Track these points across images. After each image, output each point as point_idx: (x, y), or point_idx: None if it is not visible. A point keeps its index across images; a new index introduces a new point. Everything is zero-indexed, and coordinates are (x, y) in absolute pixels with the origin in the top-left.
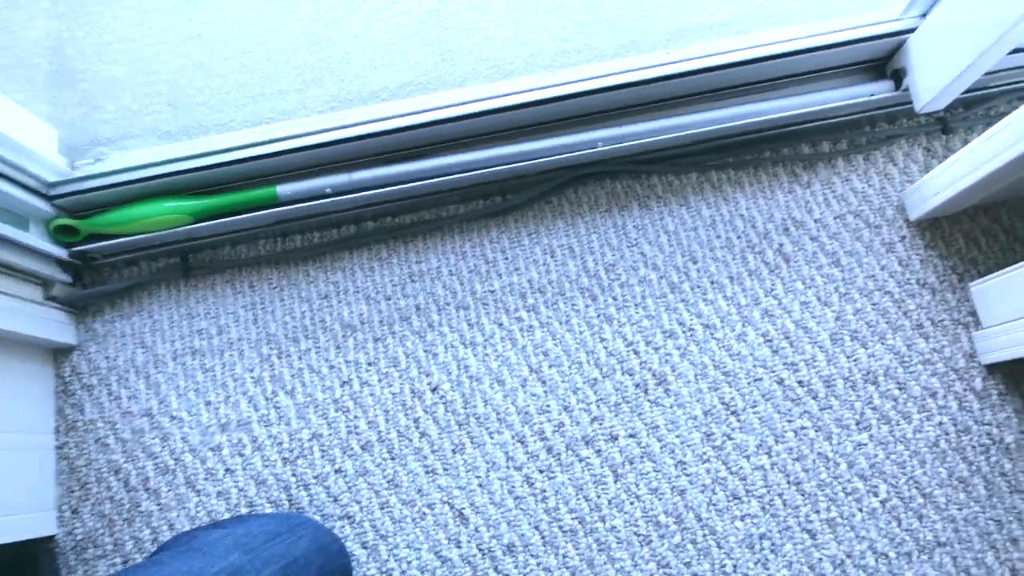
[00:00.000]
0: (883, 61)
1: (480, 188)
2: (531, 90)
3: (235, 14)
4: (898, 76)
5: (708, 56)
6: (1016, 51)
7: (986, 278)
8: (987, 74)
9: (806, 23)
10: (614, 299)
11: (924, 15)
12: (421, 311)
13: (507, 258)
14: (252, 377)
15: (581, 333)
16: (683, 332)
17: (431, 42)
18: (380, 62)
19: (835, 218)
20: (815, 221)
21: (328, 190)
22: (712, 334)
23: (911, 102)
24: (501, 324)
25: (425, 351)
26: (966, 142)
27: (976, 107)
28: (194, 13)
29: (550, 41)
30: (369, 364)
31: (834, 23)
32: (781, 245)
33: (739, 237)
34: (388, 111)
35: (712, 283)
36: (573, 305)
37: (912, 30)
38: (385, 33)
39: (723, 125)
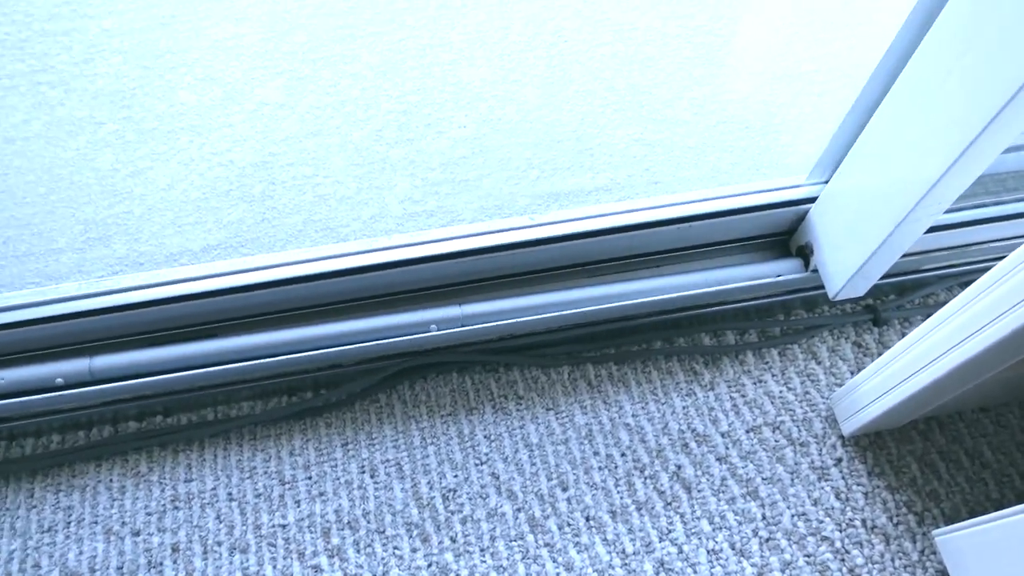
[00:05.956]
0: (786, 236)
1: (285, 380)
2: (356, 253)
3: (21, 160)
4: (804, 254)
5: (580, 220)
6: (936, 229)
7: (955, 527)
8: (914, 255)
9: (697, 190)
10: (452, 540)
11: (826, 181)
12: (180, 554)
13: (311, 478)
14: None
15: None
16: None
17: (253, 199)
18: (186, 220)
19: (748, 431)
20: (722, 435)
21: (60, 380)
22: None
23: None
24: None
25: None
26: (903, 335)
27: (911, 293)
28: None
29: (396, 202)
30: None
31: (729, 188)
32: (679, 467)
33: (624, 455)
34: (173, 275)
35: (588, 520)
36: (395, 549)
37: (814, 199)
38: (199, 187)
39: (602, 306)
